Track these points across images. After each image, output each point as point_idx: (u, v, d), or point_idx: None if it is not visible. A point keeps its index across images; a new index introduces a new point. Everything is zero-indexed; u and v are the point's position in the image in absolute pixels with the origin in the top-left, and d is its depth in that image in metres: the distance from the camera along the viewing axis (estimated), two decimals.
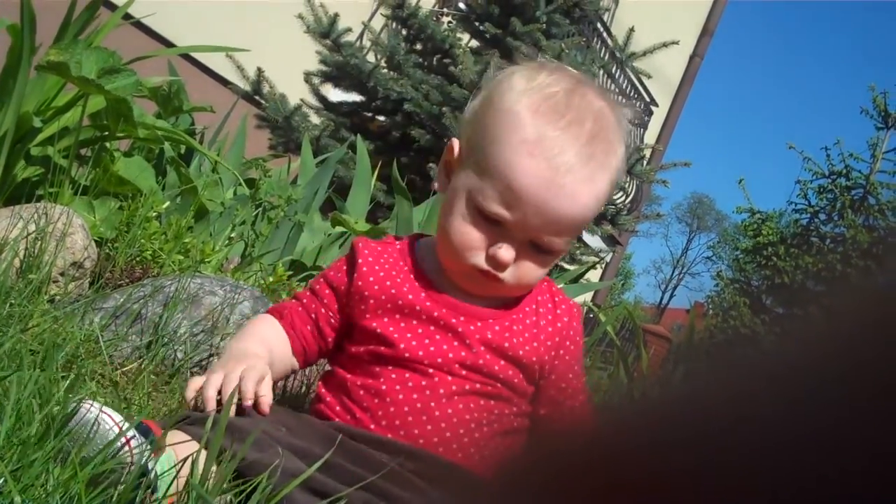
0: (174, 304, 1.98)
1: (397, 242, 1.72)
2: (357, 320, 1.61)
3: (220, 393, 1.42)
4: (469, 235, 1.55)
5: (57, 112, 2.76)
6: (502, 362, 1.58)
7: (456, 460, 1.52)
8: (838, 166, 14.25)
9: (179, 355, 1.93)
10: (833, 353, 0.31)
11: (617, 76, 10.66)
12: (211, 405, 1.40)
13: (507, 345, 1.58)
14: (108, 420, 1.20)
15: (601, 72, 7.30)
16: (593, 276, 11.10)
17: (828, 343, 0.32)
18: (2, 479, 1.08)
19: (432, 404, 1.53)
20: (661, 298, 55.27)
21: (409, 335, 1.57)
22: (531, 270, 1.58)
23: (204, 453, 1.22)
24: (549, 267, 1.62)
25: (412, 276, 1.63)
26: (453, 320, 1.58)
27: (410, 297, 1.60)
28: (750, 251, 14.95)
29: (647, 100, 11.83)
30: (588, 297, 4.76)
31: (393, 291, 1.61)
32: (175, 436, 1.29)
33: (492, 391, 1.56)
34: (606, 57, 8.92)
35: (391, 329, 1.57)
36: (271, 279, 2.57)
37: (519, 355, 1.59)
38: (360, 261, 1.65)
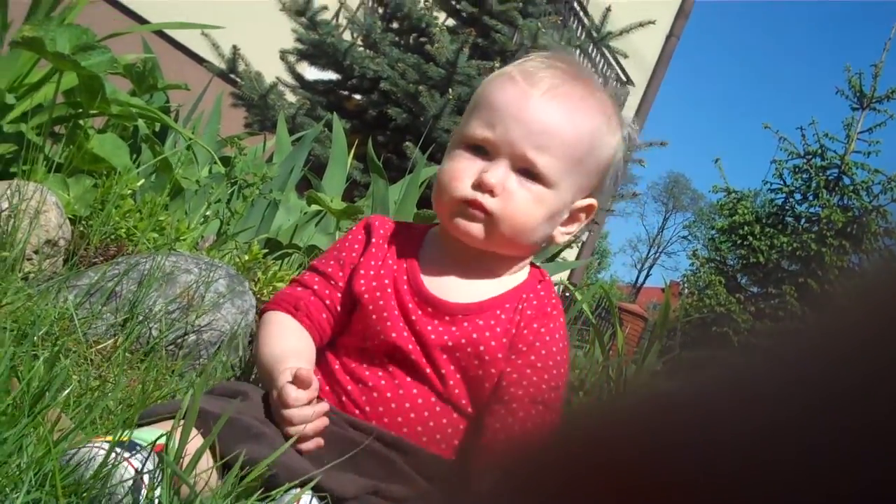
0: (149, 281, 1.97)
1: (408, 227, 1.73)
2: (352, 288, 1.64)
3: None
4: (455, 167, 1.57)
5: (30, 89, 2.73)
6: (452, 366, 1.57)
7: (435, 450, 1.53)
8: (813, 146, 14.30)
9: (154, 333, 1.93)
10: (839, 351, 0.31)
11: (593, 55, 10.66)
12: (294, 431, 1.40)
13: (466, 343, 1.57)
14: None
15: (577, 51, 7.30)
16: (569, 254, 11.12)
17: (832, 342, 0.32)
18: None
19: (400, 392, 1.54)
20: (637, 277, 55.48)
21: (388, 324, 1.58)
22: (523, 203, 1.55)
23: (191, 446, 1.21)
24: (547, 211, 1.58)
25: (412, 260, 1.64)
26: (414, 316, 1.58)
27: (402, 283, 1.61)
28: (725, 230, 14.99)
29: (624, 79, 11.85)
30: (564, 275, 4.76)
31: (387, 281, 1.61)
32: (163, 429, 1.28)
33: (450, 388, 1.56)
34: (583, 36, 8.91)
35: (374, 317, 1.60)
36: (247, 257, 2.57)
37: (479, 352, 1.56)
38: (374, 239, 1.66)
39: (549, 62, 1.60)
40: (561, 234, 1.67)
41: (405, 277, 1.61)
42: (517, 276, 1.67)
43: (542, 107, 1.53)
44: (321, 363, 1.61)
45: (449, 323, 1.57)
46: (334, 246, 1.72)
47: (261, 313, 1.71)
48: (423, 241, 1.68)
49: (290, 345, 1.58)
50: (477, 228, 1.56)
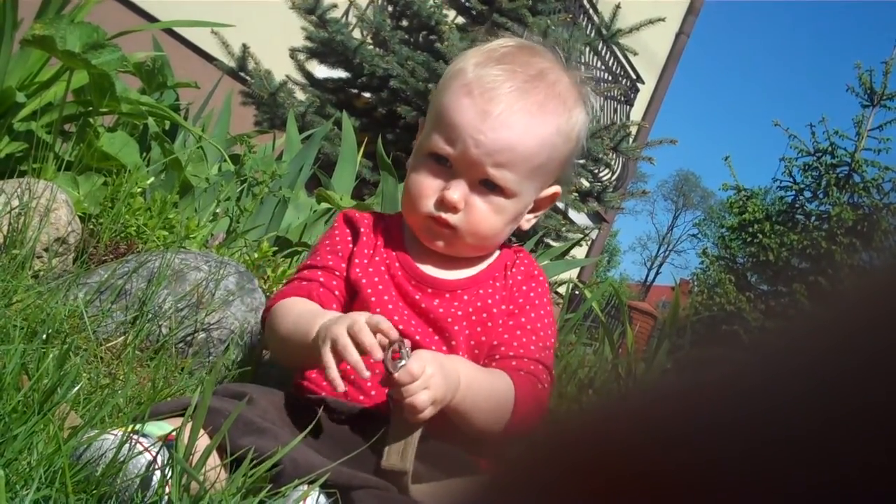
0: (159, 279, 1.98)
1: (384, 217, 1.75)
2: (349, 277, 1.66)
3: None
4: (421, 183, 1.62)
5: (40, 87, 2.74)
6: (467, 332, 1.63)
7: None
8: (823, 144, 14.27)
9: (164, 331, 1.93)
10: (837, 346, 0.31)
11: (603, 53, 10.64)
12: (340, 386, 1.38)
13: (473, 311, 1.63)
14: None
15: (587, 48, 7.29)
16: (579, 252, 11.11)
17: (832, 336, 0.32)
18: None
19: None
20: (647, 275, 55.37)
21: (390, 307, 1.62)
22: (484, 216, 1.61)
23: (199, 443, 1.21)
24: (508, 217, 1.65)
25: (399, 247, 1.68)
26: (418, 295, 1.63)
27: (396, 269, 1.65)
28: (735, 228, 14.96)
29: (634, 77, 11.82)
30: (574, 273, 4.76)
31: (382, 268, 1.65)
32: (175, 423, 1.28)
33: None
34: (592, 34, 8.89)
35: (373, 299, 1.62)
36: (256, 255, 2.57)
37: (484, 318, 1.64)
38: (362, 229, 1.69)
39: (509, 67, 1.62)
40: (526, 222, 1.75)
41: (397, 264, 1.66)
42: (493, 254, 1.75)
43: (500, 126, 1.57)
44: None
45: (451, 299, 1.64)
46: (323, 242, 1.73)
47: (265, 311, 1.67)
48: (403, 230, 1.73)
49: (308, 308, 1.60)
50: (442, 242, 1.65)
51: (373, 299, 1.62)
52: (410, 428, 1.39)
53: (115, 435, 1.18)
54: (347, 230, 1.72)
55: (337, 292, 1.65)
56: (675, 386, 0.38)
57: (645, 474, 0.33)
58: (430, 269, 1.67)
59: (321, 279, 1.65)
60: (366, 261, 1.66)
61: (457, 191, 1.59)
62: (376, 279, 1.64)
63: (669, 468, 0.32)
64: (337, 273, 1.66)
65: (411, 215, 1.66)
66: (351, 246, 1.69)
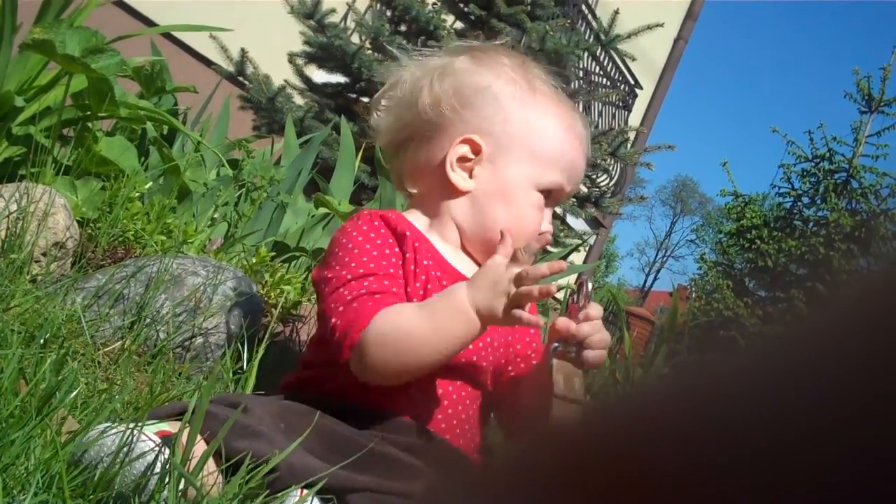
0: (157, 284, 1.98)
1: (403, 216, 1.71)
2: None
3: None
4: (535, 219, 1.69)
5: (39, 91, 2.74)
6: (509, 337, 1.68)
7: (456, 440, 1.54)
8: (822, 150, 14.27)
9: (162, 335, 1.93)
10: (833, 348, 0.31)
11: (601, 59, 10.65)
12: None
13: None
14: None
15: (585, 54, 7.29)
16: (577, 258, 11.12)
17: (828, 338, 0.32)
18: None
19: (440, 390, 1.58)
20: (645, 281, 55.37)
21: None
22: None
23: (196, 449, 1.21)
24: None
25: (431, 247, 1.66)
26: None
27: (434, 272, 1.63)
28: (733, 234, 14.96)
29: (632, 82, 11.83)
30: (572, 279, 4.76)
31: (429, 262, 1.63)
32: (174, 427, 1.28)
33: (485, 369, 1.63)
34: (591, 39, 8.90)
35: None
36: (254, 260, 2.57)
37: None
38: (408, 233, 1.62)
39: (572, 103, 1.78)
40: None
41: (432, 262, 1.63)
42: None
43: (586, 159, 1.77)
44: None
45: None
46: (365, 249, 1.59)
47: (353, 337, 1.47)
48: (420, 230, 1.68)
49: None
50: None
51: None
52: (578, 364, 1.46)
53: (116, 430, 1.18)
54: (384, 231, 1.62)
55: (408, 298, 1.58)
56: (673, 387, 0.38)
57: (642, 476, 0.33)
58: (462, 269, 1.67)
59: (395, 290, 1.55)
60: (416, 267, 1.60)
61: (549, 223, 1.71)
62: (429, 285, 1.59)
63: (666, 470, 0.32)
64: (400, 281, 1.58)
65: (493, 235, 1.61)
66: (397, 249, 1.60)
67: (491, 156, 1.66)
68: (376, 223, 1.61)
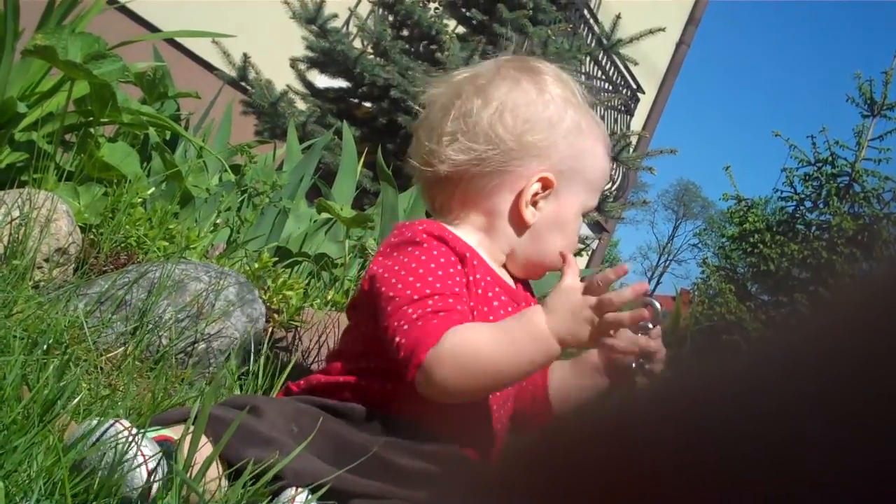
0: (159, 290, 1.98)
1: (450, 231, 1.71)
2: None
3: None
4: (576, 242, 1.79)
5: (41, 97, 2.75)
6: None
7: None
8: (824, 154, 14.25)
9: (164, 341, 1.93)
10: (837, 348, 0.31)
11: (603, 63, 10.66)
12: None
13: None
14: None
15: (587, 58, 7.29)
16: (580, 262, 11.10)
17: (831, 338, 0.32)
18: None
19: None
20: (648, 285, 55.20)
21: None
22: None
23: (199, 454, 1.21)
24: None
25: (484, 262, 1.68)
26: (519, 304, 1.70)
27: (495, 288, 1.66)
28: (736, 238, 14.93)
29: (634, 87, 11.84)
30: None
31: (489, 279, 1.66)
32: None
33: None
34: (593, 44, 8.91)
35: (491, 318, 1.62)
36: (256, 265, 2.57)
37: None
38: (468, 254, 1.63)
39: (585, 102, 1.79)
40: None
41: (489, 279, 1.65)
42: None
43: None
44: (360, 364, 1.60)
45: (525, 306, 1.69)
46: (430, 268, 1.57)
47: (420, 355, 1.45)
48: (474, 248, 1.68)
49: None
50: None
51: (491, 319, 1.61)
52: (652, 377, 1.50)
53: (116, 431, 1.19)
54: (444, 248, 1.60)
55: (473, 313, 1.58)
56: (674, 387, 0.38)
57: (642, 476, 0.33)
58: (512, 284, 1.73)
59: (460, 307, 1.53)
60: (476, 287, 1.61)
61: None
62: (493, 303, 1.62)
63: (667, 470, 0.32)
64: (465, 299, 1.57)
65: (546, 263, 1.72)
66: (460, 267, 1.60)
67: (558, 190, 1.70)
68: (430, 240, 1.60)
